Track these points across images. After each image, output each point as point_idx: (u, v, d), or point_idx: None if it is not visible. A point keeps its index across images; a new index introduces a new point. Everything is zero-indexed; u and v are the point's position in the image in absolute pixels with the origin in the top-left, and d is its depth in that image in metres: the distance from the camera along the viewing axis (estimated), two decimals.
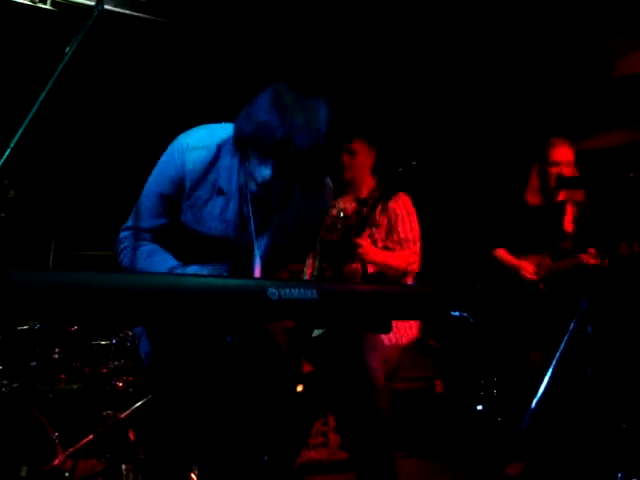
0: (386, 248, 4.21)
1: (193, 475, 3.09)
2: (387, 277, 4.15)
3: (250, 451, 2.82)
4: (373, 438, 4.00)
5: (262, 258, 2.67)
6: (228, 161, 2.62)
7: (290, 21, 5.18)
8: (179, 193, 2.63)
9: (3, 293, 1.90)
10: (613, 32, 5.11)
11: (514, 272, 4.72)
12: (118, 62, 5.08)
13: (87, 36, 2.49)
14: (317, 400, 4.13)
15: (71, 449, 3.56)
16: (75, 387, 3.87)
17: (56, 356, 3.85)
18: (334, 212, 4.29)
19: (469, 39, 5.40)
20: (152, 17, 4.91)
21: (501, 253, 4.84)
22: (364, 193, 4.37)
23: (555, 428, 4.04)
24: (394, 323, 3.89)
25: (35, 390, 3.75)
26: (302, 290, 2.29)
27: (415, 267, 4.24)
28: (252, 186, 2.58)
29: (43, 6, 4.72)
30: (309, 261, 4.33)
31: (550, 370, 2.86)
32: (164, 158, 2.67)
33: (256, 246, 2.67)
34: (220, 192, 2.63)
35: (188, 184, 2.62)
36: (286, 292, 2.26)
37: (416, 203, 4.37)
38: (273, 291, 2.23)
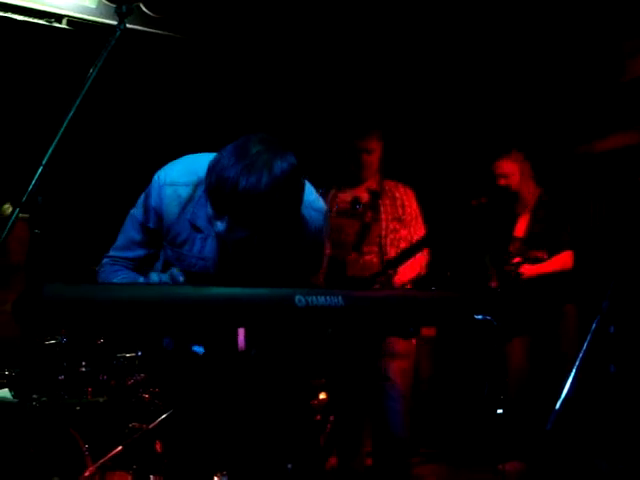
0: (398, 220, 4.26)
1: None
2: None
3: (274, 459, 2.84)
4: (389, 444, 4.04)
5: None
6: (204, 200, 2.55)
7: (301, 27, 5.22)
8: (159, 227, 2.66)
9: (37, 306, 1.95)
10: (623, 35, 5.14)
11: None
12: (134, 79, 5.13)
13: (110, 55, 2.54)
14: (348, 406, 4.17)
15: (100, 461, 3.60)
16: (102, 400, 3.91)
17: (83, 369, 3.89)
18: (347, 198, 4.42)
19: (478, 41, 5.42)
20: (165, 33, 4.97)
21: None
22: (374, 185, 4.49)
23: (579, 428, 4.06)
24: None
25: (63, 403, 3.80)
26: (328, 297, 2.33)
27: (424, 266, 4.38)
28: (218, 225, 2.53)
29: (59, 25, 4.78)
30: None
31: (573, 371, 2.88)
32: (145, 193, 2.69)
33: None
34: (197, 230, 2.63)
35: (166, 221, 2.63)
36: (312, 299, 2.30)
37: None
38: (300, 298, 2.27)
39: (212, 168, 2.40)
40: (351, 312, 2.40)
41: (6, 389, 3.75)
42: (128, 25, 4.68)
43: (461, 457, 5.23)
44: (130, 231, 2.72)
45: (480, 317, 2.60)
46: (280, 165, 2.37)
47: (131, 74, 5.07)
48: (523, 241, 4.78)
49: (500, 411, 5.24)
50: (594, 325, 3.01)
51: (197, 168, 2.62)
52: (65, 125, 2.30)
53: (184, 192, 2.62)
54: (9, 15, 4.67)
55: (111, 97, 4.91)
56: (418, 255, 4.28)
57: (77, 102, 2.35)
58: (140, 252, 2.71)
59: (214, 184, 2.37)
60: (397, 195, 4.47)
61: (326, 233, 2.86)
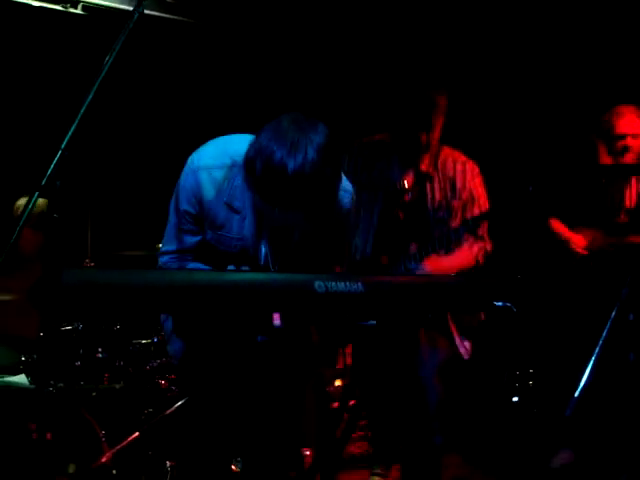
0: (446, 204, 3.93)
1: (234, 467, 3.14)
2: None
3: (289, 444, 2.85)
4: (419, 437, 3.97)
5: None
6: (240, 180, 2.60)
7: (326, 16, 5.17)
8: (200, 211, 2.66)
9: (56, 293, 1.94)
10: None
11: (565, 245, 4.50)
12: (149, 64, 5.12)
13: (127, 40, 2.52)
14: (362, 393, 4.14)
15: (117, 447, 3.61)
16: (118, 386, 3.93)
17: (99, 356, 3.90)
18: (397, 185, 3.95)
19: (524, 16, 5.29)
20: (179, 18, 4.95)
21: (555, 223, 4.59)
22: (424, 164, 3.92)
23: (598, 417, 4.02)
24: None
25: (80, 389, 3.82)
26: (348, 283, 2.32)
27: (481, 257, 3.94)
28: (264, 209, 2.57)
29: (74, 11, 4.77)
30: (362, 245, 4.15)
31: (592, 358, 2.86)
32: (180, 180, 2.70)
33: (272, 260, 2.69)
34: (234, 211, 2.65)
35: (205, 204, 2.64)
36: (332, 285, 2.29)
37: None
38: (320, 284, 2.26)
39: (253, 155, 2.42)
40: (371, 298, 2.38)
41: (22, 375, 3.77)
42: (146, 11, 4.72)
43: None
44: (176, 222, 2.72)
45: (500, 304, 2.57)
46: (319, 139, 2.40)
47: (148, 59, 5.05)
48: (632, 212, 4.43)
49: (516, 399, 5.23)
50: (613, 312, 2.98)
51: (229, 150, 2.65)
52: (83, 110, 2.28)
53: (219, 174, 2.63)
54: (25, 1, 4.66)
55: (128, 82, 4.91)
56: (473, 243, 3.93)
57: (95, 86, 2.33)
58: (194, 238, 2.70)
59: (261, 173, 2.38)
60: (450, 173, 3.93)
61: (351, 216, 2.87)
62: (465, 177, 3.94)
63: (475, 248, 3.94)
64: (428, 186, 3.95)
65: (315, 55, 5.34)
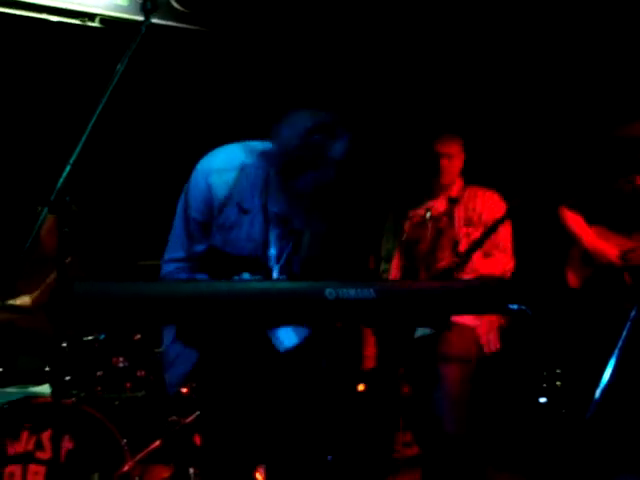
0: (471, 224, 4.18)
1: (258, 475, 3.14)
2: None
3: (316, 451, 2.84)
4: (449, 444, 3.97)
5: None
6: (250, 182, 2.67)
7: (344, 24, 5.17)
8: (209, 217, 2.68)
9: (68, 304, 1.96)
10: None
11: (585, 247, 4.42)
12: (163, 74, 5.15)
13: (136, 51, 2.54)
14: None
15: (139, 455, 3.64)
16: (140, 394, 3.95)
17: (121, 365, 3.93)
18: (422, 212, 4.27)
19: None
20: (194, 27, 4.97)
21: (574, 218, 4.48)
22: (454, 192, 4.30)
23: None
24: None
25: (102, 398, 3.85)
26: (359, 289, 2.31)
27: (509, 270, 4.19)
28: (274, 207, 2.64)
29: (92, 24, 4.81)
30: (394, 262, 4.34)
31: (613, 359, 2.84)
32: (190, 186, 2.72)
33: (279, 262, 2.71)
34: (244, 212, 2.68)
35: (216, 207, 2.67)
36: (343, 292, 2.28)
37: None
38: (330, 291, 2.26)
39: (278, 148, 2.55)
40: (383, 304, 2.37)
41: (47, 385, 3.82)
42: (159, 21, 4.76)
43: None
44: (183, 230, 2.74)
45: (515, 307, 2.55)
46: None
47: (162, 70, 5.09)
48: None
49: (543, 400, 5.19)
50: (633, 313, 2.96)
51: (238, 154, 2.71)
52: (92, 123, 2.30)
53: (230, 177, 2.67)
54: (44, 17, 4.71)
55: (141, 93, 4.95)
56: (501, 256, 4.16)
57: (104, 100, 2.35)
58: (198, 247, 2.72)
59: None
60: (475, 200, 4.26)
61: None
62: (485, 203, 4.25)
63: (502, 260, 4.17)
64: (455, 210, 4.23)
65: (325, 66, 5.34)
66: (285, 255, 2.70)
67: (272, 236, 2.70)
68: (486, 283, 2.58)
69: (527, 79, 5.44)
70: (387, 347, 3.73)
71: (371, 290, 2.33)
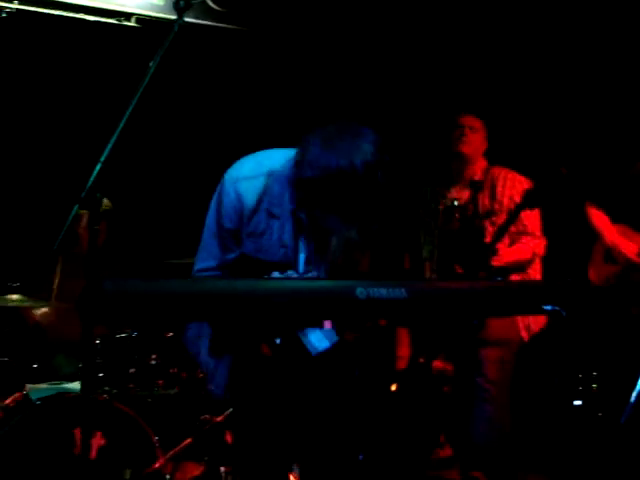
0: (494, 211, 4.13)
1: (292, 477, 3.13)
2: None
3: (350, 450, 2.83)
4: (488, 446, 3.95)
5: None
6: (278, 189, 2.66)
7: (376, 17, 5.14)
8: (240, 224, 2.68)
9: (97, 301, 1.97)
10: None
11: (606, 244, 4.43)
12: (200, 73, 5.17)
13: (169, 49, 2.54)
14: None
15: (171, 452, 3.65)
16: (172, 392, 3.97)
17: (153, 362, 3.95)
18: (447, 202, 4.21)
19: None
20: (231, 26, 4.98)
21: (598, 215, 4.49)
22: (477, 175, 4.25)
23: None
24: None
25: (135, 396, 3.87)
26: (391, 289, 2.29)
27: (541, 251, 4.16)
28: (303, 215, 2.62)
29: (128, 23, 4.84)
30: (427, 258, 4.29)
31: None
32: (218, 195, 2.72)
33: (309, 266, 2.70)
34: (274, 217, 2.67)
35: (246, 214, 2.67)
36: (374, 291, 2.26)
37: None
38: (361, 290, 2.24)
39: (300, 160, 2.50)
40: (414, 304, 2.35)
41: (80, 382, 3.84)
42: (195, 20, 4.77)
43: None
44: (214, 239, 2.74)
45: (549, 308, 2.52)
46: (367, 145, 2.48)
47: (198, 69, 5.11)
48: None
49: (578, 402, 5.12)
50: None
51: (266, 160, 2.71)
52: (124, 121, 2.32)
53: (259, 183, 2.67)
54: (81, 16, 4.75)
55: (175, 92, 4.97)
56: (528, 240, 4.12)
57: (136, 98, 2.36)
58: (229, 255, 2.72)
59: (310, 177, 2.46)
60: (498, 182, 4.21)
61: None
62: (506, 184, 4.20)
63: (530, 244, 4.13)
64: (479, 195, 4.18)
65: (362, 67, 5.32)
66: (314, 259, 2.69)
67: (302, 241, 2.69)
68: (520, 283, 2.56)
69: (557, 69, 5.38)
70: (420, 347, 3.70)
71: (403, 290, 2.30)
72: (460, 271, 4.01)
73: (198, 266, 2.77)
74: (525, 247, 4.12)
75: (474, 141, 4.24)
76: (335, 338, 2.64)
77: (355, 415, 2.80)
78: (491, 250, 3.87)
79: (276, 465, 2.79)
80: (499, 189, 4.18)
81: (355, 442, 2.82)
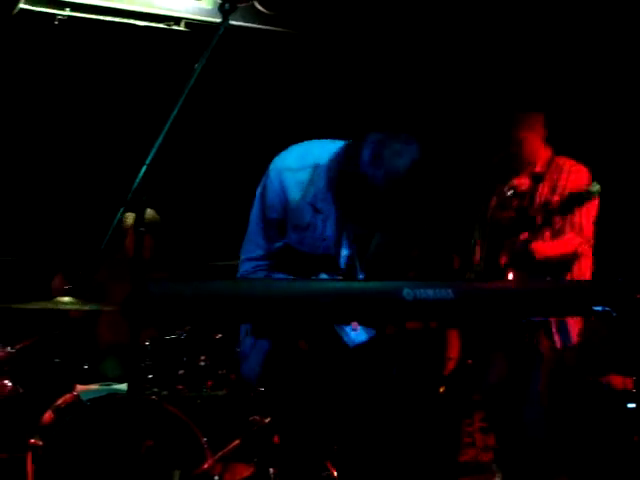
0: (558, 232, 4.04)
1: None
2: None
3: (389, 449, 2.82)
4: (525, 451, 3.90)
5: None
6: (323, 182, 2.67)
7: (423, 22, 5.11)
8: (284, 215, 2.69)
9: (142, 304, 1.98)
10: None
11: None
12: (245, 75, 5.19)
13: (215, 52, 2.55)
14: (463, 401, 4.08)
15: (219, 453, 3.66)
16: (221, 393, 3.99)
17: (202, 364, 3.97)
18: (506, 190, 4.14)
19: None
20: (278, 29, 4.99)
21: None
22: (538, 166, 4.14)
23: None
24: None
25: (184, 397, 3.89)
26: (438, 290, 2.27)
27: (584, 250, 4.04)
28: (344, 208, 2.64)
29: (177, 28, 4.88)
30: (477, 246, 4.21)
31: None
32: (264, 184, 2.74)
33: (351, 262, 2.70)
34: (318, 212, 2.68)
35: (290, 206, 2.67)
36: (421, 292, 2.25)
37: None
38: (408, 291, 2.23)
39: (343, 170, 2.58)
40: (461, 305, 2.33)
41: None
42: (243, 23, 4.79)
43: None
44: (259, 229, 2.76)
45: (599, 308, 2.47)
46: (409, 158, 2.52)
47: (245, 71, 5.13)
48: None
49: (632, 405, 5.01)
50: None
51: (311, 152, 2.73)
52: (169, 124, 2.33)
53: (303, 176, 2.68)
54: (131, 22, 4.81)
55: (222, 94, 5.00)
56: (571, 236, 4.00)
57: (181, 100, 2.37)
58: (274, 245, 2.73)
59: (352, 192, 2.54)
60: (560, 174, 4.09)
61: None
62: (569, 177, 4.06)
63: (576, 240, 4.01)
64: (539, 186, 4.08)
65: (408, 69, 5.29)
66: (356, 256, 2.69)
67: (345, 236, 2.68)
68: (569, 283, 2.52)
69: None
70: (469, 349, 3.67)
71: (449, 291, 2.29)
72: (504, 262, 3.96)
73: (244, 255, 2.79)
74: (566, 242, 4.01)
75: (534, 141, 4.14)
76: (372, 332, 2.62)
77: (389, 413, 2.79)
78: (526, 242, 3.81)
79: (315, 460, 2.80)
80: (562, 182, 4.07)
81: (389, 439, 2.80)
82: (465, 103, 5.44)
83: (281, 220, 2.69)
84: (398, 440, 2.78)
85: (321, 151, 2.70)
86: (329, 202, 2.66)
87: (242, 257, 2.79)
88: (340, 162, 2.62)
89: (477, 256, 4.19)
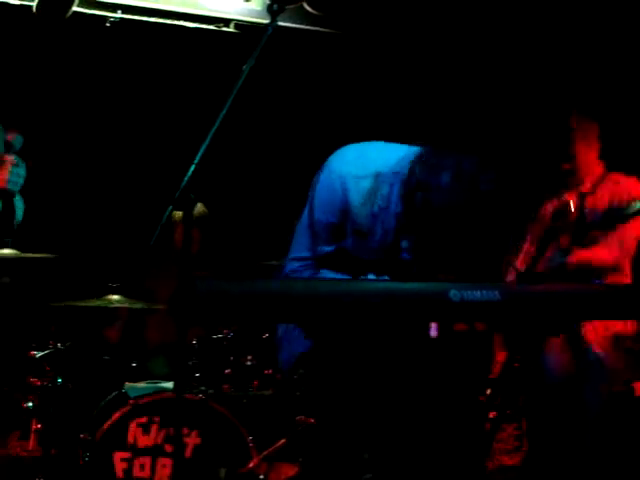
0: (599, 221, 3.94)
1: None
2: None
3: (431, 453, 2.80)
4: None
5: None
6: (385, 191, 2.65)
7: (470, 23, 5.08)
8: (342, 220, 2.67)
9: (190, 302, 2.00)
10: None
11: None
12: (294, 76, 5.21)
13: (264, 52, 2.56)
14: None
15: (265, 453, 3.68)
16: (267, 393, 4.00)
17: (249, 363, 3.99)
18: (555, 204, 4.02)
19: None
20: (327, 30, 5.00)
21: None
22: (587, 186, 4.00)
23: None
24: None
25: (230, 396, 3.92)
26: (484, 292, 2.26)
27: (624, 262, 3.93)
28: (404, 217, 2.64)
29: (227, 29, 4.92)
30: (521, 255, 4.16)
31: None
32: (323, 186, 2.72)
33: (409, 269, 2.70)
34: (378, 219, 2.66)
35: (352, 212, 2.66)
36: (468, 294, 2.23)
37: None
38: (455, 293, 2.22)
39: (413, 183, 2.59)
40: (509, 307, 2.31)
41: None
42: (292, 24, 4.82)
43: None
44: (312, 229, 2.74)
45: None
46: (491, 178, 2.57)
47: (294, 72, 5.15)
48: None
49: None
50: None
51: (372, 158, 2.70)
52: (218, 123, 2.34)
53: (367, 184, 2.66)
54: (182, 23, 4.86)
55: (272, 94, 5.02)
56: (600, 250, 3.90)
57: (229, 100, 2.39)
58: (328, 248, 2.72)
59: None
60: (611, 192, 3.96)
61: None
62: (617, 190, 3.97)
63: (617, 252, 3.91)
64: (587, 200, 3.99)
65: (457, 70, 5.25)
66: (415, 263, 2.68)
67: (404, 244, 2.68)
68: (615, 287, 2.49)
69: None
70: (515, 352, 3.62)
71: (496, 292, 2.27)
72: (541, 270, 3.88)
73: (292, 254, 2.77)
74: (609, 251, 3.90)
75: (584, 144, 4.01)
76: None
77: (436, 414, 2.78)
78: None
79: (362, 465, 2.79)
80: (614, 200, 3.96)
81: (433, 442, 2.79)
82: (521, 113, 5.39)
83: (338, 225, 2.67)
84: (437, 442, 2.76)
85: (379, 157, 2.69)
86: (391, 210, 2.65)
87: (290, 255, 2.78)
88: (415, 174, 2.62)
89: (519, 263, 4.15)
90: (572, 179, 4.06)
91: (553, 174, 4.21)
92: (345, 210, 2.66)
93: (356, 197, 2.64)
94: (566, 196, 4.01)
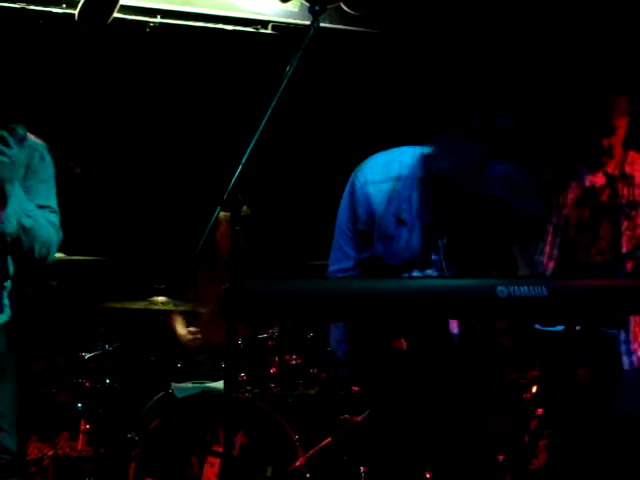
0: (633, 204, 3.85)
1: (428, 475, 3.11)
2: None
3: (483, 452, 2.80)
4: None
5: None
6: (406, 193, 2.67)
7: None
8: (371, 227, 2.69)
9: (240, 301, 2.02)
10: None
11: None
12: (333, 76, 5.22)
13: (306, 53, 2.58)
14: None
15: (311, 451, 3.70)
16: (313, 392, 4.02)
17: (294, 363, 4.01)
18: (582, 188, 3.76)
19: None
20: (367, 30, 5.00)
21: None
22: (611, 167, 3.74)
23: None
24: None
25: (275, 395, 3.94)
26: (531, 287, 2.25)
27: None
28: (430, 217, 2.63)
29: (265, 31, 4.95)
30: (546, 248, 4.07)
31: None
32: (348, 196, 2.75)
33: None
34: (402, 223, 2.67)
35: (376, 217, 2.68)
36: (515, 290, 2.23)
37: None
38: (502, 289, 2.21)
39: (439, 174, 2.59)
40: (556, 303, 2.30)
41: (223, 381, 3.94)
42: (330, 25, 4.82)
43: None
44: (344, 240, 2.77)
45: None
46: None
47: (334, 72, 5.15)
48: None
49: None
50: None
51: (393, 163, 2.73)
52: (263, 124, 2.36)
53: (387, 187, 2.69)
54: (220, 26, 4.89)
55: (312, 95, 5.03)
56: None
57: (274, 101, 2.41)
58: (363, 255, 2.74)
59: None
60: (633, 167, 3.76)
61: None
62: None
63: None
64: (618, 184, 3.75)
65: (496, 69, 5.21)
66: (444, 265, 2.67)
67: (430, 246, 2.68)
68: None
69: None
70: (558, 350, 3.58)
71: (543, 288, 2.26)
72: (584, 260, 3.80)
73: (332, 267, 2.79)
74: None
75: (615, 144, 3.75)
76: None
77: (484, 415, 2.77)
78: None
79: (411, 463, 2.79)
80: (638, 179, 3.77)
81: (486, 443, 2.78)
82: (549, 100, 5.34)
83: (368, 232, 2.70)
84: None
85: (403, 160, 2.71)
86: (413, 213, 2.66)
87: (330, 269, 2.80)
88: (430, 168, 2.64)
89: (546, 254, 4.05)
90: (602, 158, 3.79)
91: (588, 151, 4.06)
92: (371, 217, 2.69)
93: (378, 201, 2.68)
94: (590, 177, 3.85)
